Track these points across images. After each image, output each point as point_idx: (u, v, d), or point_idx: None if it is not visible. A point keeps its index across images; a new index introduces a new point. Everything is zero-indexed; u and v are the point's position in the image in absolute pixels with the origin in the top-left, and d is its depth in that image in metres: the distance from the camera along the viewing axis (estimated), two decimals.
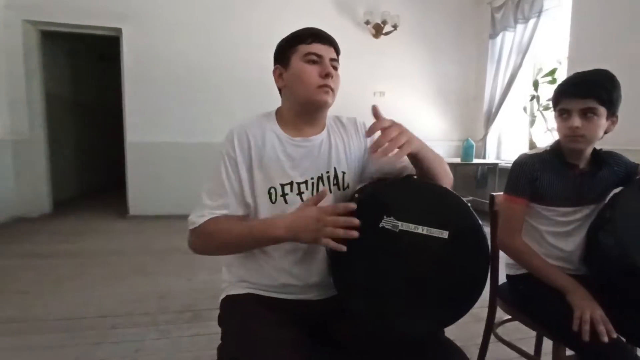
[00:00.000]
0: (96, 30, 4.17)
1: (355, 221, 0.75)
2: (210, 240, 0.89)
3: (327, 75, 0.91)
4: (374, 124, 0.80)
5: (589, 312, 0.96)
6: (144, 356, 1.61)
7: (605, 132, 1.12)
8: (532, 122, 4.31)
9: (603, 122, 1.09)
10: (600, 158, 1.15)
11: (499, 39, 4.50)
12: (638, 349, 1.09)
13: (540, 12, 3.92)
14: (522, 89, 4.34)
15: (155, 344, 1.70)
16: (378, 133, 0.80)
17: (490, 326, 1.39)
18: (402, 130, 0.79)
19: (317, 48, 0.92)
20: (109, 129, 5.93)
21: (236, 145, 0.92)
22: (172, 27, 4.19)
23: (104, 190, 5.96)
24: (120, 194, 4.54)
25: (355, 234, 0.74)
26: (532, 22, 4.01)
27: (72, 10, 3.96)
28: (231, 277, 0.99)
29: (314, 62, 0.92)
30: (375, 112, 0.84)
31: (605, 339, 0.91)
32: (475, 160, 4.35)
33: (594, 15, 3.35)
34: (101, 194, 5.72)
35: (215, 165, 0.93)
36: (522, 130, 4.49)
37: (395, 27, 4.52)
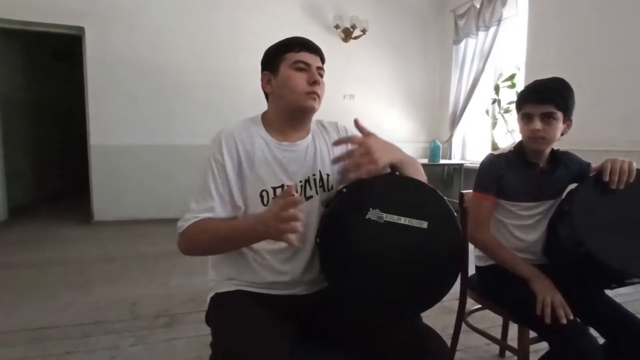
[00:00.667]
0: (56, 29, 3.98)
1: (297, 215, 0.74)
2: (195, 242, 0.91)
3: (314, 82, 0.96)
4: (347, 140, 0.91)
5: (549, 297, 1.05)
6: None
7: (562, 134, 1.23)
8: (493, 124, 4.55)
9: (560, 125, 1.20)
10: (557, 157, 1.27)
11: (462, 45, 4.72)
12: (592, 328, 1.20)
13: (499, 21, 4.15)
14: (484, 93, 4.57)
15: (131, 350, 1.66)
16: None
17: (462, 315, 1.47)
18: (369, 151, 0.86)
19: (305, 57, 0.97)
20: (71, 131, 5.67)
21: (224, 149, 0.94)
22: (136, 26, 4.07)
23: (66, 196, 5.67)
24: (84, 199, 4.36)
25: (297, 226, 0.74)
26: (492, 30, 4.25)
27: (29, 8, 3.76)
28: (218, 276, 1.01)
29: (301, 70, 0.96)
30: (357, 125, 0.94)
31: (564, 321, 1.01)
32: (442, 161, 4.53)
33: (549, 25, 3.60)
34: (63, 200, 5.45)
35: (203, 170, 0.95)
36: (484, 132, 4.72)
37: (364, 31, 4.63)
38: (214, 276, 1.02)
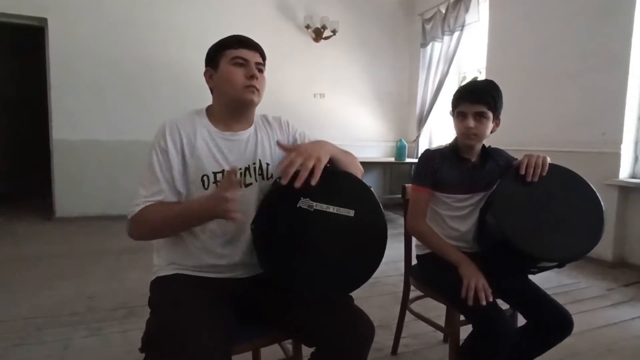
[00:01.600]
0: (18, 20, 3.85)
1: (235, 195, 0.84)
2: (147, 226, 0.96)
3: (252, 76, 1.02)
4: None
5: (474, 281, 1.15)
6: (73, 354, 1.58)
7: (492, 132, 1.34)
8: None
9: (490, 124, 1.31)
10: (488, 153, 1.38)
11: (429, 48, 4.88)
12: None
13: (463, 26, 4.32)
14: (449, 95, 4.72)
15: (84, 341, 1.66)
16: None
17: (405, 303, 1.57)
18: (306, 156, 0.91)
19: (243, 53, 1.04)
20: (32, 126, 5.47)
21: (168, 137, 1.00)
22: (101, 18, 3.98)
23: (26, 192, 5.47)
24: (46, 195, 4.24)
25: (239, 215, 0.85)
26: (456, 34, 4.42)
27: None
28: (161, 260, 1.05)
29: (240, 65, 1.03)
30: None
31: (484, 303, 1.11)
32: (408, 160, 4.68)
33: (507, 31, 3.80)
34: (24, 196, 5.26)
35: (148, 158, 1.01)
36: (449, 131, 4.90)
37: (334, 32, 4.71)
38: (158, 261, 1.06)
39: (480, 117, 1.28)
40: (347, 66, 5.03)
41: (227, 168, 1.03)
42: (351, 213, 0.92)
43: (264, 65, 1.08)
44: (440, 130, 5.07)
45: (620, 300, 2.27)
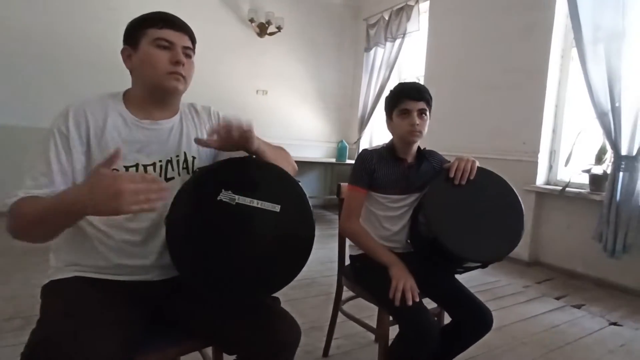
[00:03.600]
0: None
1: (162, 185, 0.71)
2: (22, 222, 0.79)
3: (177, 62, 0.91)
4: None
5: (402, 282, 1.15)
6: None
7: None
8: None
9: (428, 122, 1.32)
10: (423, 154, 1.39)
11: (372, 52, 4.98)
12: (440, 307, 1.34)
13: (404, 34, 4.47)
14: None
15: None
16: None
17: (338, 303, 1.54)
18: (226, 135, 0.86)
19: (168, 34, 0.91)
20: None
21: (71, 122, 0.86)
22: None
23: None
24: None
25: (157, 205, 0.69)
26: (398, 42, 4.56)
27: None
28: (58, 262, 0.91)
29: (164, 48, 0.91)
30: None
31: (410, 303, 1.11)
32: (349, 161, 4.73)
33: (444, 42, 4.00)
34: None
35: (43, 142, 0.85)
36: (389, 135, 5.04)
37: (279, 28, 4.62)
38: (54, 263, 0.91)
39: (422, 114, 1.30)
40: (291, 64, 4.96)
41: (142, 162, 0.91)
42: (277, 208, 0.85)
43: (193, 50, 0.97)
44: (380, 133, 5.20)
45: (534, 296, 2.46)
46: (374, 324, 1.54)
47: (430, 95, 1.33)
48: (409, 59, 4.80)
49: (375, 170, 1.33)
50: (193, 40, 0.98)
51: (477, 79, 3.55)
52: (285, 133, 4.77)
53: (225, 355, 0.99)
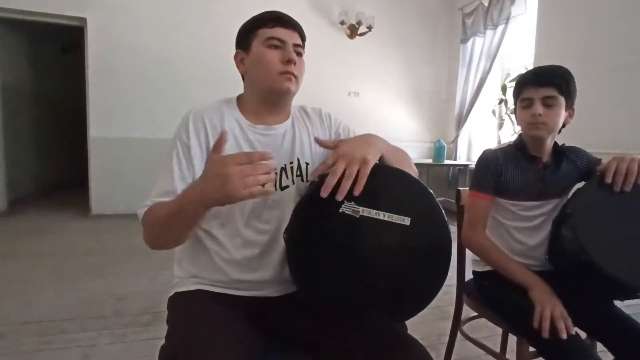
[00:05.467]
0: (59, 19, 3.93)
1: (268, 157, 0.66)
2: (152, 230, 0.80)
3: (289, 61, 0.87)
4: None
5: (549, 309, 0.95)
6: None
7: (563, 126, 1.13)
8: (500, 125, 4.42)
9: (562, 112, 1.09)
10: (561, 151, 1.16)
11: (469, 43, 4.60)
12: (598, 342, 1.09)
13: (508, 19, 4.03)
14: (491, 93, 4.45)
15: (107, 349, 1.58)
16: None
17: (457, 323, 1.37)
18: (350, 159, 0.72)
19: (280, 32, 0.88)
20: (74, 124, 5.65)
21: (191, 130, 0.86)
22: (138, 17, 4.01)
23: (67, 188, 5.65)
24: (84, 192, 4.32)
25: (269, 189, 0.66)
26: (500, 28, 4.12)
27: None
28: (182, 272, 0.92)
29: (276, 47, 0.87)
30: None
31: (564, 336, 0.90)
32: (447, 162, 4.42)
33: (558, 23, 3.47)
34: (64, 192, 5.42)
35: (168, 153, 0.87)
36: (491, 132, 4.59)
37: (370, 28, 4.53)
38: (178, 273, 0.93)
39: (549, 103, 1.07)
40: (382, 63, 4.82)
41: None
42: (406, 221, 0.74)
43: (303, 47, 0.93)
44: (481, 131, 4.76)
45: None
46: (494, 346, 1.35)
47: (567, 79, 1.08)
48: (513, 46, 4.31)
49: (503, 173, 1.14)
50: (303, 37, 0.94)
51: (609, 60, 2.99)
52: (378, 134, 4.58)
53: None
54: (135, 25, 4.01)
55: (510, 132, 4.19)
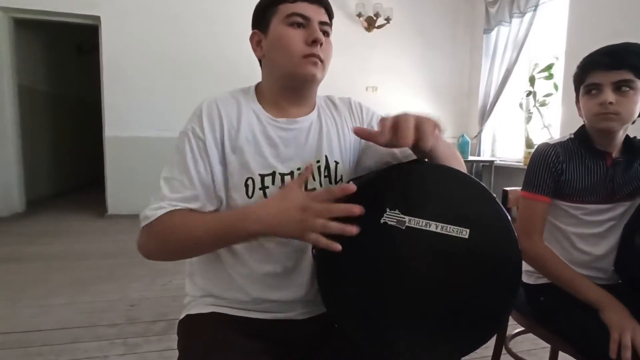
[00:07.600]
0: (73, 19, 3.89)
1: (356, 209, 0.59)
2: (167, 239, 0.67)
3: (314, 41, 0.72)
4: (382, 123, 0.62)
5: (629, 335, 0.79)
6: None
7: (639, 115, 0.96)
8: (528, 119, 4.18)
9: (638, 99, 0.92)
10: (635, 146, 0.99)
11: (493, 33, 4.38)
12: None
13: (536, 6, 3.80)
14: (517, 85, 4.22)
15: None
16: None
17: (502, 339, 1.22)
18: (421, 118, 0.62)
19: (303, 8, 0.73)
20: (90, 124, 5.65)
21: (205, 123, 0.72)
22: (153, 16, 3.95)
23: (84, 189, 5.67)
24: (101, 192, 4.29)
25: (353, 230, 0.58)
26: (528, 16, 3.90)
27: None
28: (194, 290, 0.80)
29: (298, 26, 0.73)
30: (358, 132, 0.67)
31: None
32: (470, 158, 4.22)
33: (592, 9, 3.24)
34: (81, 193, 5.44)
35: (178, 148, 0.73)
36: (517, 127, 4.37)
37: (388, 20, 4.36)
38: (191, 290, 0.81)
39: (622, 88, 0.90)
40: (401, 56, 4.64)
41: (279, 170, 0.74)
42: (465, 234, 0.60)
43: (330, 26, 0.78)
44: (506, 125, 4.53)
45: None
46: None
47: None
48: (542, 35, 4.07)
49: (564, 172, 0.98)
50: (331, 14, 0.79)
51: None
52: None
53: None
54: (149, 22, 3.94)
55: (539, 126, 3.96)
